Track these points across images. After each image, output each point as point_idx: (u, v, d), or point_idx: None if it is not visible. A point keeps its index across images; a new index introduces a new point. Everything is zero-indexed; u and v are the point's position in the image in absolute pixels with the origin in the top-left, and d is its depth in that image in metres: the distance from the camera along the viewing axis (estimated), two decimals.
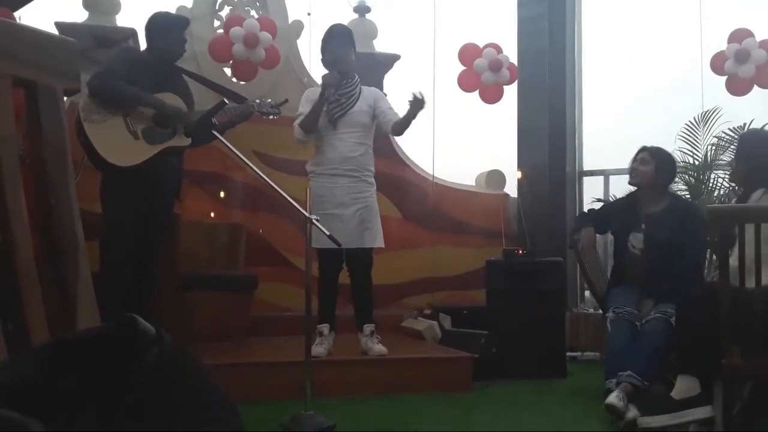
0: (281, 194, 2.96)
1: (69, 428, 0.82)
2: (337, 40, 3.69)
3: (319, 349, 3.50)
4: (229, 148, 3.07)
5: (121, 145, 3.25)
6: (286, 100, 3.62)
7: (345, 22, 5.27)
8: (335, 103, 3.63)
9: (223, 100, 3.32)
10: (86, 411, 0.84)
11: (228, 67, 4.98)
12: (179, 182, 3.59)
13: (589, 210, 4.09)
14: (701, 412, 2.51)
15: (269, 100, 3.62)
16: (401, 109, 3.64)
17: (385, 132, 3.89)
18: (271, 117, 3.66)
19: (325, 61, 3.73)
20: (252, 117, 3.63)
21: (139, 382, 0.87)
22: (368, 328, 3.69)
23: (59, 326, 1.21)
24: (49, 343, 0.92)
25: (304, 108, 3.67)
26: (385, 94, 5.23)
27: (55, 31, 4.30)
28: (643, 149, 3.53)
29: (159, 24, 3.49)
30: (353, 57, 3.74)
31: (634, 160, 3.55)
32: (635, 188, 3.57)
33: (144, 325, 0.91)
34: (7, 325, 1.16)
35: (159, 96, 3.36)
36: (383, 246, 3.76)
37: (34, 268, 1.19)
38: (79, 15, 4.86)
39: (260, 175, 3.05)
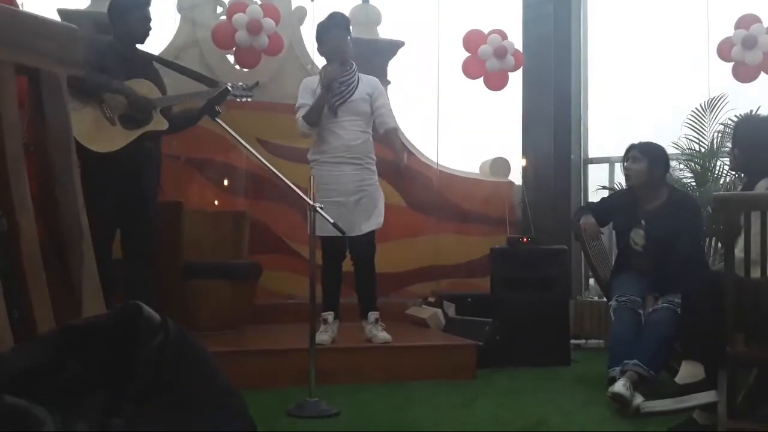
0: (285, 182, 2.96)
1: (75, 415, 0.82)
2: (336, 30, 3.68)
3: (323, 336, 3.51)
4: (233, 135, 3.06)
5: (99, 132, 3.21)
6: (257, 83, 3.56)
7: (348, 8, 5.27)
8: (335, 91, 3.63)
9: (227, 88, 3.31)
10: (92, 397, 0.85)
11: (231, 54, 4.96)
12: (158, 167, 3.56)
13: (587, 203, 4.06)
14: (705, 397, 2.51)
15: (240, 83, 3.56)
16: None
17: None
18: (244, 100, 3.60)
19: (324, 51, 3.73)
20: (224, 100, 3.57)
21: (144, 369, 0.88)
22: (372, 315, 3.69)
23: (64, 314, 1.21)
24: (55, 331, 0.91)
25: (304, 99, 3.67)
26: (389, 82, 5.24)
27: (57, 18, 4.29)
28: (632, 147, 3.51)
29: (119, 6, 3.43)
30: (351, 45, 3.74)
31: (626, 159, 3.52)
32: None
33: (148, 312, 0.91)
34: (13, 313, 1.15)
35: (131, 82, 3.31)
36: (381, 226, 3.74)
37: (39, 256, 1.19)
38: (81, 1, 4.85)
39: (264, 163, 3.04)
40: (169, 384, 0.89)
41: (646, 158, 3.43)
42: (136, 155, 3.29)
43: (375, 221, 3.69)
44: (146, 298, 3.18)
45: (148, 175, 3.42)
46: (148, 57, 3.58)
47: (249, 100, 3.60)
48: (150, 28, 3.50)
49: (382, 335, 3.62)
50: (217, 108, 3.26)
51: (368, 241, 3.69)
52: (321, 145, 3.70)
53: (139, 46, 3.47)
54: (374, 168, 3.76)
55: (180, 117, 3.54)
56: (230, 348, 3.48)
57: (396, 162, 3.77)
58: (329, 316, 3.66)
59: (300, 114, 3.66)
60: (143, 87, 3.35)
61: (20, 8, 4.03)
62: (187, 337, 0.95)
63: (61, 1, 4.71)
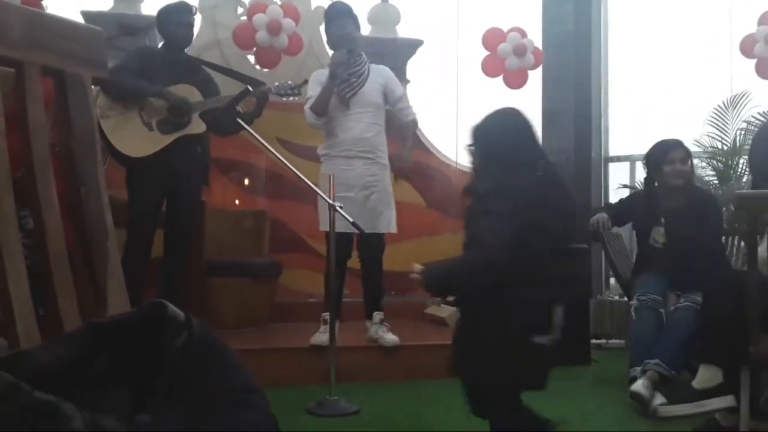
0: (305, 181, 2.98)
1: (101, 410, 0.83)
2: (338, 19, 3.63)
3: (322, 337, 3.40)
4: (253, 135, 3.09)
5: (135, 137, 3.36)
6: (306, 81, 3.62)
7: (368, 8, 5.27)
8: (345, 83, 3.55)
9: (247, 88, 3.34)
10: (117, 393, 0.86)
11: (251, 54, 4.99)
12: (206, 169, 3.64)
13: (605, 204, 4.01)
14: (723, 402, 2.48)
15: (289, 82, 3.63)
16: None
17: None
18: (291, 98, 3.65)
19: (331, 42, 3.69)
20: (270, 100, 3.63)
21: (169, 366, 0.89)
22: (378, 315, 3.64)
23: (90, 312, 1.23)
24: (82, 328, 0.93)
25: (314, 91, 3.60)
26: (409, 81, 5.24)
27: (81, 20, 4.34)
28: (679, 145, 3.44)
29: (164, 13, 3.60)
30: (358, 34, 3.68)
31: (672, 160, 3.41)
32: (656, 183, 3.50)
33: (173, 310, 0.93)
34: (39, 311, 1.18)
35: (172, 88, 3.43)
36: (396, 231, 3.70)
37: (66, 254, 1.21)
38: (104, 3, 4.91)
39: (285, 163, 3.06)
40: (193, 381, 0.91)
41: (690, 159, 3.44)
42: (175, 158, 3.40)
43: (386, 223, 3.60)
44: (176, 294, 3.26)
45: (187, 177, 3.50)
46: (196, 61, 3.69)
47: (296, 99, 3.67)
48: (192, 34, 3.66)
49: (389, 337, 3.54)
50: (237, 108, 3.30)
51: (378, 240, 3.61)
52: (331, 140, 3.62)
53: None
54: (386, 162, 3.66)
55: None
56: (251, 345, 3.50)
57: (400, 156, 3.65)
58: (329, 315, 3.60)
59: (308, 105, 3.59)
60: (183, 92, 3.45)
61: (44, 11, 4.10)
62: (211, 335, 0.97)
63: (84, 4, 4.78)
